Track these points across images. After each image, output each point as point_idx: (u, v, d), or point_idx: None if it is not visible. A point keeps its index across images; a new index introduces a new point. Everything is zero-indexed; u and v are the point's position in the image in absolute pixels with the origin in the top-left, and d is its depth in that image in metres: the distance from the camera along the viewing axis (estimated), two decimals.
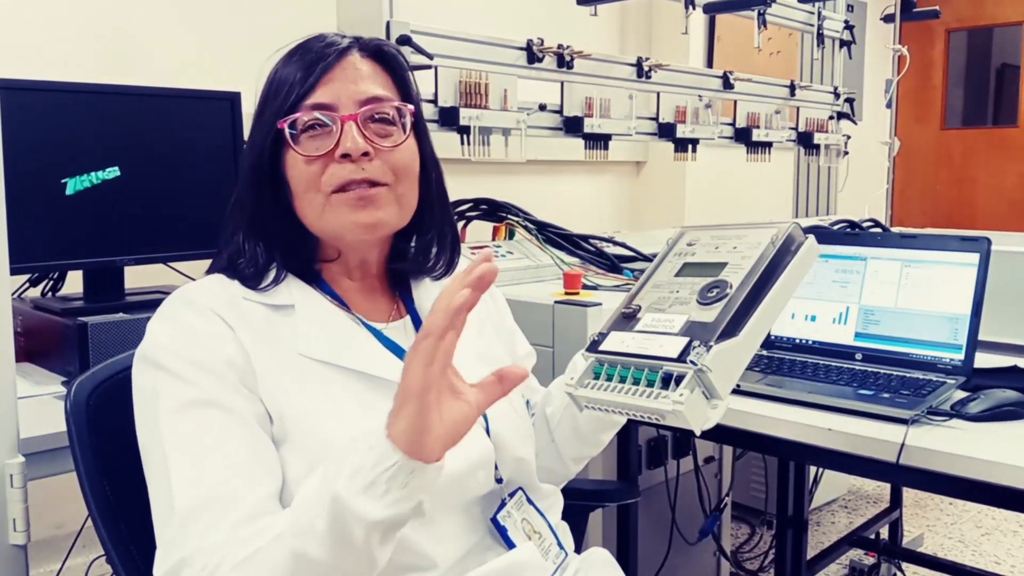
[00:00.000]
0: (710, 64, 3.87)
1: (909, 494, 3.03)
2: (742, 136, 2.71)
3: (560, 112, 2.15)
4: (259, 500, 0.83)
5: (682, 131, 2.44)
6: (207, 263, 1.01)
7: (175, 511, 0.82)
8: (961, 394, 1.21)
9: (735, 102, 2.69)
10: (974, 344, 1.29)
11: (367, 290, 1.03)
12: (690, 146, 2.49)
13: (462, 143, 1.89)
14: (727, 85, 2.61)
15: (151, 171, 1.61)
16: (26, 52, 2.03)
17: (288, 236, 0.97)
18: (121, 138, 1.57)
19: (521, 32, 2.06)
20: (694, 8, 2.49)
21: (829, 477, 2.84)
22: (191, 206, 1.65)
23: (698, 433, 0.89)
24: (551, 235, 1.98)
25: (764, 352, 1.46)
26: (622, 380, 0.93)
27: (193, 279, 1.07)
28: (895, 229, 2.68)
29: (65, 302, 1.57)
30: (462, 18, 2.25)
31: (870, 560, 2.58)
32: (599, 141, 2.20)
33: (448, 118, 1.86)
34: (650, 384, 0.90)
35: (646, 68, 2.33)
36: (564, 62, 2.11)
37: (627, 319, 0.99)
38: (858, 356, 1.39)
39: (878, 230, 2.53)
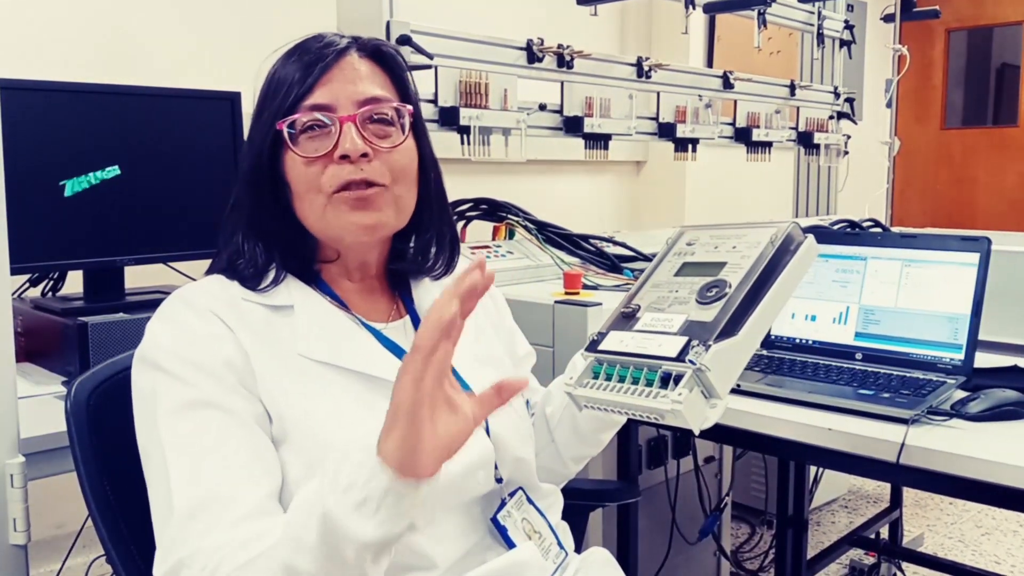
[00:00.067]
0: (710, 64, 3.87)
1: (909, 494, 3.03)
2: (742, 136, 2.71)
3: (560, 112, 2.15)
4: (258, 500, 0.83)
5: (682, 131, 2.44)
6: (207, 263, 1.01)
7: (174, 511, 0.82)
8: (961, 394, 1.21)
9: (735, 102, 2.69)
10: (974, 344, 1.29)
11: (366, 290, 1.03)
12: (690, 146, 2.49)
13: (462, 143, 1.89)
14: (727, 85, 2.61)
15: (151, 171, 1.61)
16: (26, 52, 2.03)
17: (287, 237, 0.97)
18: (121, 138, 1.57)
19: (521, 32, 2.06)
20: (694, 8, 2.49)
21: (829, 477, 2.84)
22: (191, 206, 1.65)
23: (697, 432, 0.89)
24: (551, 235, 1.98)
25: (764, 352, 1.46)
26: (621, 379, 0.93)
27: (193, 279, 1.07)
28: (895, 229, 2.68)
29: (65, 302, 1.57)
30: (462, 18, 2.25)
31: (870, 560, 2.58)
32: (599, 141, 2.20)
33: (448, 118, 1.86)
34: (649, 383, 0.90)
35: (646, 68, 2.33)
36: (564, 62, 2.11)
37: (626, 318, 0.99)
38: (858, 356, 1.39)
39: (878, 230, 2.53)
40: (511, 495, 1.00)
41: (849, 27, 3.15)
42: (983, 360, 1.33)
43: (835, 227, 2.41)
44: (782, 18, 2.86)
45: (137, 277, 1.67)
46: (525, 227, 1.99)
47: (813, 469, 2.48)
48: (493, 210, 2.04)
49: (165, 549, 0.82)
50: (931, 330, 1.33)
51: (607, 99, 2.20)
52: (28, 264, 1.52)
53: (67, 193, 1.50)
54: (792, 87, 2.87)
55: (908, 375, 1.29)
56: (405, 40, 1.76)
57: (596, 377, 0.96)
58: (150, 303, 1.29)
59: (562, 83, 2.14)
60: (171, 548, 0.81)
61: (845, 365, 1.37)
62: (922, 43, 5.18)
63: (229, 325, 0.91)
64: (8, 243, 1.10)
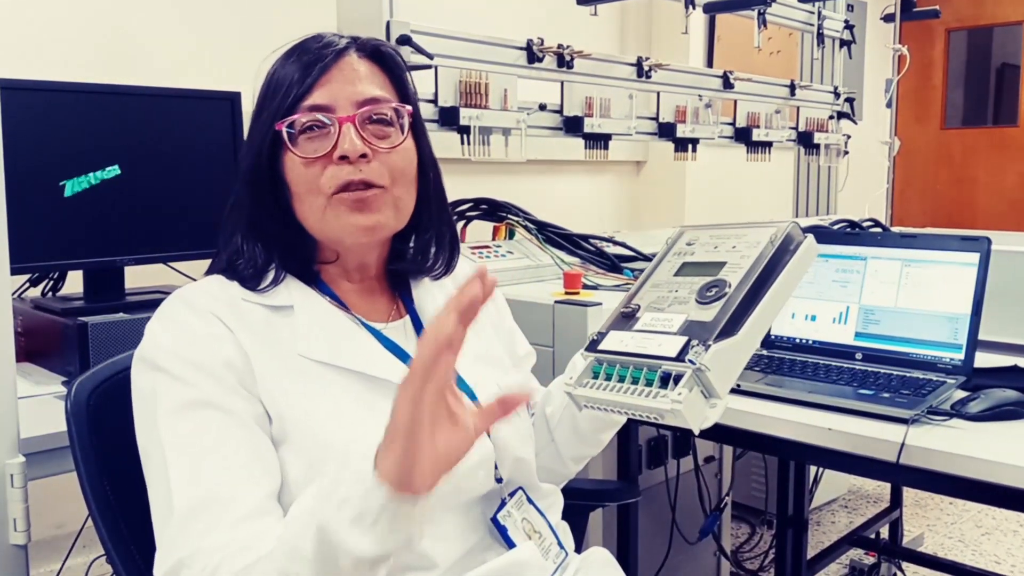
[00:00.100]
0: (710, 64, 3.87)
1: (909, 494, 3.03)
2: (742, 136, 2.71)
3: (560, 112, 2.15)
4: (258, 500, 0.83)
5: (682, 131, 2.44)
6: (207, 263, 1.01)
7: (174, 512, 0.82)
8: (961, 394, 1.21)
9: (735, 102, 2.69)
10: (974, 344, 1.29)
11: (366, 291, 1.03)
12: (690, 146, 2.49)
13: (462, 143, 1.89)
14: (727, 85, 2.61)
15: (151, 171, 1.61)
16: (26, 52, 2.03)
17: (286, 237, 0.97)
18: (121, 138, 1.57)
19: (521, 32, 2.06)
20: (694, 8, 2.49)
21: (829, 477, 2.84)
22: (191, 206, 1.66)
23: (696, 432, 0.89)
24: (551, 235, 1.98)
25: (764, 352, 1.46)
26: (621, 379, 0.93)
27: (193, 279, 1.07)
28: (895, 229, 2.68)
29: (65, 302, 1.57)
30: (462, 18, 2.26)
31: (870, 560, 2.58)
32: (599, 141, 2.20)
33: (448, 118, 1.86)
34: (649, 383, 0.90)
35: (646, 68, 2.33)
36: (564, 62, 2.11)
37: (626, 318, 0.99)
38: (858, 356, 1.39)
39: (878, 230, 2.53)
40: (511, 495, 1.00)
41: (849, 27, 3.15)
42: (983, 360, 1.33)
43: (835, 227, 2.41)
44: (782, 18, 2.86)
45: (137, 277, 1.67)
46: (525, 227, 1.99)
47: (813, 469, 2.48)
48: (493, 210, 2.04)
49: (165, 549, 0.82)
50: (931, 330, 1.33)
51: (607, 99, 2.20)
52: (28, 264, 1.52)
53: (67, 193, 1.50)
54: (792, 87, 2.87)
55: (908, 375, 1.29)
56: (405, 40, 1.76)
57: (596, 377, 0.96)
58: (150, 303, 1.29)
59: (562, 83, 2.14)
60: (171, 548, 0.81)
61: (845, 365, 1.37)
62: (922, 43, 5.17)
63: (229, 325, 0.91)
64: (8, 243, 1.10)
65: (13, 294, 1.20)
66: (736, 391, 1.20)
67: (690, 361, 0.88)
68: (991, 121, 5.38)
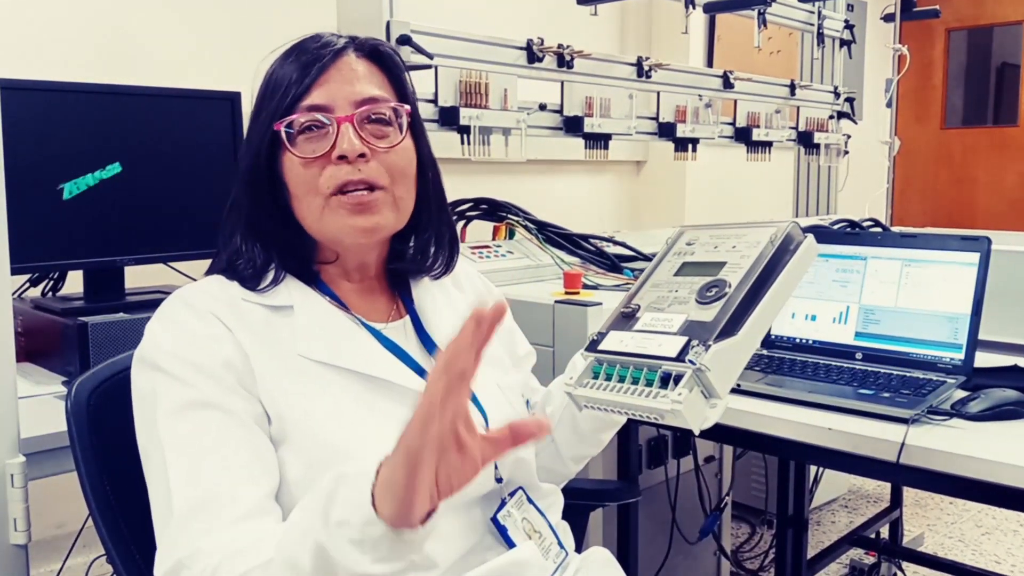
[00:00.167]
0: (710, 64, 3.87)
1: (909, 493, 3.03)
2: (742, 135, 2.71)
3: (560, 112, 2.15)
4: (257, 500, 0.84)
5: (682, 131, 2.44)
6: (207, 263, 1.01)
7: (173, 512, 0.82)
8: (961, 393, 1.21)
9: (735, 101, 2.69)
10: (974, 343, 1.29)
11: (366, 291, 1.03)
12: (690, 145, 2.49)
13: (462, 143, 1.89)
14: (727, 84, 2.61)
15: (151, 171, 1.61)
16: (26, 52, 2.03)
17: (286, 237, 0.97)
18: (121, 138, 1.57)
19: (521, 32, 2.06)
20: (694, 7, 2.49)
21: (829, 476, 2.84)
22: (191, 206, 1.66)
23: (697, 432, 0.89)
24: (551, 235, 1.98)
25: (764, 351, 1.46)
26: (621, 379, 0.93)
27: (193, 279, 1.07)
28: (895, 228, 2.68)
29: (65, 302, 1.57)
30: (462, 18, 2.26)
31: (870, 559, 2.58)
32: (599, 141, 2.20)
33: (448, 118, 1.86)
34: (649, 383, 0.90)
35: (646, 68, 2.33)
36: (564, 62, 2.11)
37: (626, 318, 1.00)
38: (858, 355, 1.39)
39: (878, 229, 2.53)
40: (511, 495, 1.00)
41: (849, 27, 3.15)
42: (983, 360, 1.33)
43: (835, 227, 2.41)
44: (782, 18, 2.86)
45: (137, 277, 1.67)
46: (525, 227, 1.99)
47: (813, 469, 2.48)
48: (493, 210, 2.04)
49: (165, 549, 0.82)
50: (931, 330, 1.33)
51: (607, 99, 2.20)
52: (28, 264, 1.52)
53: (65, 197, 1.50)
54: (792, 87, 2.87)
55: (908, 375, 1.29)
56: (405, 40, 1.76)
57: (596, 377, 0.96)
58: (150, 303, 1.29)
59: (562, 83, 2.14)
60: (171, 548, 0.81)
61: (845, 365, 1.37)
62: (922, 43, 5.17)
63: (228, 325, 0.91)
64: (8, 243, 1.10)
65: (13, 294, 1.20)
66: (736, 391, 1.19)
67: (690, 361, 0.88)
68: (991, 121, 5.38)
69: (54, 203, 1.50)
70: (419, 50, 1.77)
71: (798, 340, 1.47)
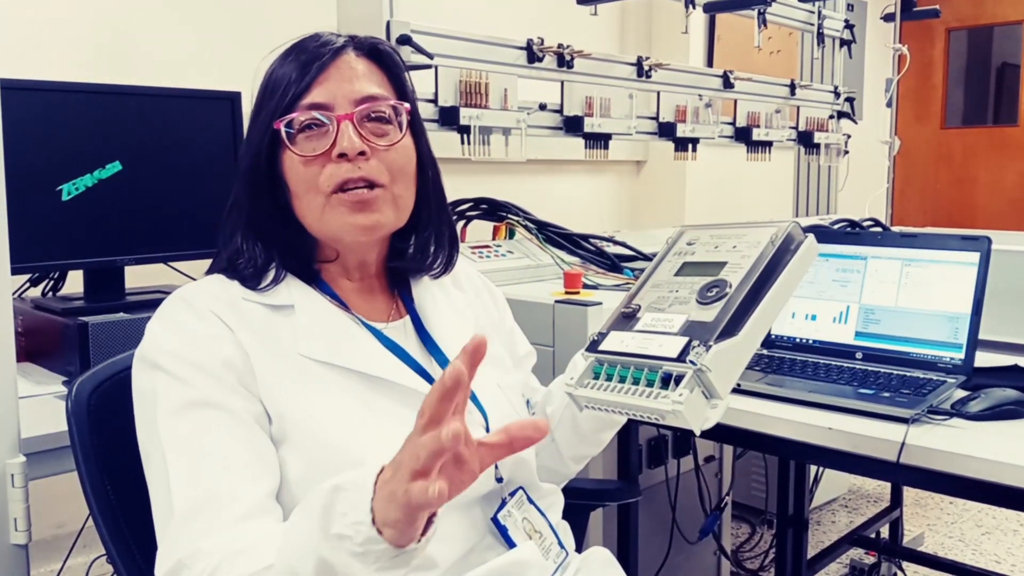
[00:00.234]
0: (710, 63, 3.87)
1: (909, 493, 3.03)
2: (742, 135, 2.71)
3: (560, 111, 2.15)
4: (258, 499, 0.84)
5: (682, 130, 2.44)
6: (207, 263, 1.01)
7: (174, 512, 0.82)
8: (961, 393, 1.21)
9: (735, 101, 2.69)
10: (974, 343, 1.29)
11: (366, 290, 1.03)
12: (690, 145, 2.49)
13: (462, 143, 1.89)
14: (727, 84, 2.61)
15: (151, 171, 1.61)
16: (26, 52, 2.03)
17: (286, 236, 0.97)
18: (121, 138, 1.57)
19: (521, 32, 2.06)
20: (694, 7, 2.49)
21: (829, 476, 2.84)
22: (191, 206, 1.65)
23: (698, 433, 0.89)
24: (551, 234, 1.98)
25: (764, 351, 1.46)
26: (622, 380, 0.93)
27: (193, 279, 1.07)
28: (895, 228, 2.68)
29: (66, 302, 1.57)
30: (462, 18, 2.26)
31: (870, 559, 2.58)
32: (599, 140, 2.20)
33: (448, 118, 1.86)
34: (650, 384, 0.90)
35: (646, 67, 2.33)
36: (564, 62, 2.11)
37: (627, 319, 0.99)
38: (858, 355, 1.39)
39: (878, 229, 2.53)
40: (512, 495, 1.00)
41: (849, 26, 3.15)
42: (983, 359, 1.33)
43: (835, 227, 2.41)
44: (782, 17, 2.86)
45: (137, 277, 1.67)
46: (525, 227, 1.99)
47: (813, 468, 2.48)
48: (493, 210, 2.04)
49: (166, 549, 0.82)
50: (931, 329, 1.33)
51: (607, 99, 2.20)
52: (28, 264, 1.52)
53: (64, 198, 1.50)
54: (792, 87, 2.87)
55: (908, 374, 1.29)
56: (405, 40, 1.76)
57: (597, 377, 0.96)
58: (150, 303, 1.29)
59: (562, 83, 2.14)
60: (171, 548, 0.81)
61: (845, 364, 1.37)
62: (922, 42, 5.17)
63: (229, 325, 0.91)
64: (8, 243, 1.10)
65: (13, 294, 1.20)
66: (736, 390, 1.19)
67: (691, 362, 0.88)
68: (991, 121, 5.37)
69: (54, 203, 1.50)
70: (419, 50, 1.77)
71: (798, 340, 1.47)
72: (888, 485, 2.84)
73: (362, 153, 0.93)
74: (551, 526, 1.03)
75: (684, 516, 2.08)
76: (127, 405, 0.91)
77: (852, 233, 2.13)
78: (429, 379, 0.96)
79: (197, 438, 0.85)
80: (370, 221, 0.94)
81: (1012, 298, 1.50)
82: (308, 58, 0.94)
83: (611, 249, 1.98)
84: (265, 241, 0.97)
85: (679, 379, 0.88)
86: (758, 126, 2.72)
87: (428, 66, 1.81)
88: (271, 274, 0.96)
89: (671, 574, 2.05)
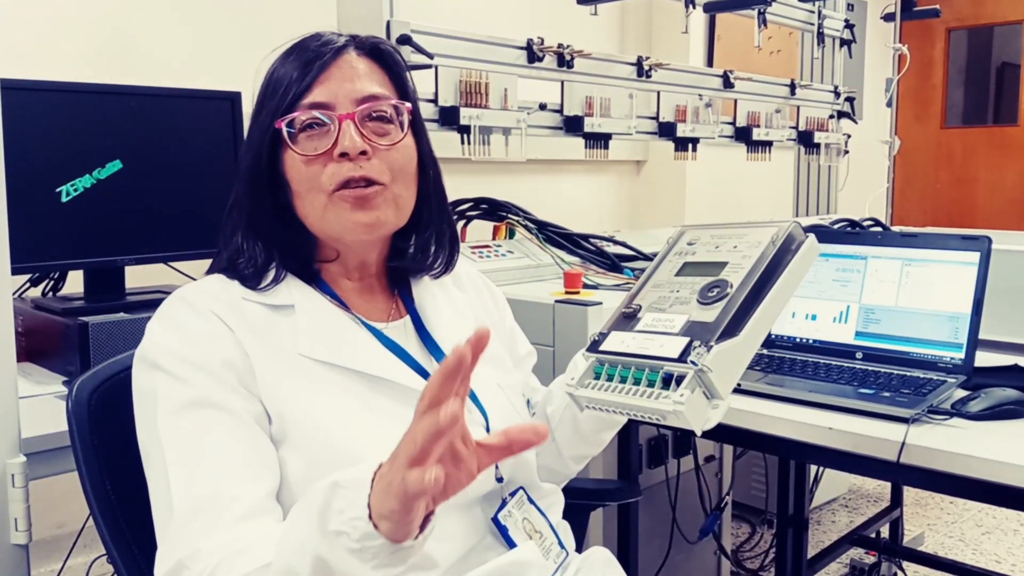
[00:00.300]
0: (710, 63, 3.87)
1: (910, 493, 3.03)
2: (742, 135, 2.71)
3: (560, 111, 2.15)
4: (258, 499, 0.84)
5: (682, 130, 2.44)
6: (207, 263, 1.01)
7: (174, 512, 0.82)
8: (962, 393, 1.21)
9: (735, 101, 2.69)
10: (975, 343, 1.29)
11: (366, 290, 1.03)
12: (690, 145, 2.49)
13: (462, 142, 1.89)
14: (727, 84, 2.61)
15: (151, 171, 1.61)
16: (26, 52, 2.03)
17: (287, 236, 0.97)
18: (121, 138, 1.57)
19: (521, 31, 2.06)
20: (694, 7, 2.49)
21: (829, 476, 2.84)
22: (191, 206, 1.65)
23: (699, 433, 0.89)
24: (551, 234, 1.98)
25: (765, 351, 1.47)
26: (623, 380, 0.93)
27: (193, 279, 1.07)
28: (895, 228, 2.68)
29: (66, 302, 1.57)
30: (462, 18, 2.26)
31: (871, 559, 2.58)
32: (599, 140, 2.20)
33: (448, 117, 1.86)
34: (651, 384, 0.90)
35: (646, 67, 2.33)
36: (564, 61, 2.11)
37: (627, 319, 0.99)
38: (859, 355, 1.39)
39: (878, 229, 2.53)
40: (512, 495, 1.00)
41: (849, 26, 3.15)
42: (983, 359, 1.33)
43: (835, 226, 2.41)
44: (782, 17, 2.86)
45: (137, 277, 1.67)
46: (525, 226, 1.99)
47: (813, 468, 2.48)
48: (493, 209, 2.04)
49: (166, 549, 0.82)
50: (931, 329, 1.33)
51: (607, 98, 2.20)
52: (29, 264, 1.52)
53: (63, 199, 1.50)
54: (792, 86, 2.87)
55: (908, 374, 1.29)
56: (405, 40, 1.76)
57: (598, 378, 0.96)
58: (150, 303, 1.29)
59: (562, 83, 2.14)
60: (172, 548, 0.81)
61: (846, 364, 1.37)
62: (922, 42, 5.17)
63: (229, 325, 0.91)
64: (9, 243, 1.10)
65: (14, 294, 1.20)
66: (737, 390, 1.19)
67: (692, 362, 0.88)
68: (991, 120, 5.37)
69: (54, 203, 1.50)
70: (419, 50, 1.77)
71: (798, 339, 1.47)
72: (888, 485, 2.84)
73: (363, 152, 0.93)
74: (551, 526, 1.03)
75: (684, 516, 2.08)
76: (127, 405, 0.91)
77: (852, 233, 2.13)
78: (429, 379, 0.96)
79: (197, 438, 0.85)
80: (371, 219, 0.94)
81: (1012, 298, 1.50)
82: (310, 57, 0.94)
83: (611, 249, 1.98)
84: (265, 241, 0.97)
85: (680, 379, 0.88)
86: (758, 126, 2.72)
87: (428, 66, 1.81)
88: (271, 274, 0.96)
89: (671, 574, 2.05)
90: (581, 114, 2.14)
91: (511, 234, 2.04)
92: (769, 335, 1.48)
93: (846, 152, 3.14)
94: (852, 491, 3.23)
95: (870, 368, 1.34)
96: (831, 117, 3.07)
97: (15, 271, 1.13)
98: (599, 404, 0.96)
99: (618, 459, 1.65)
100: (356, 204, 0.93)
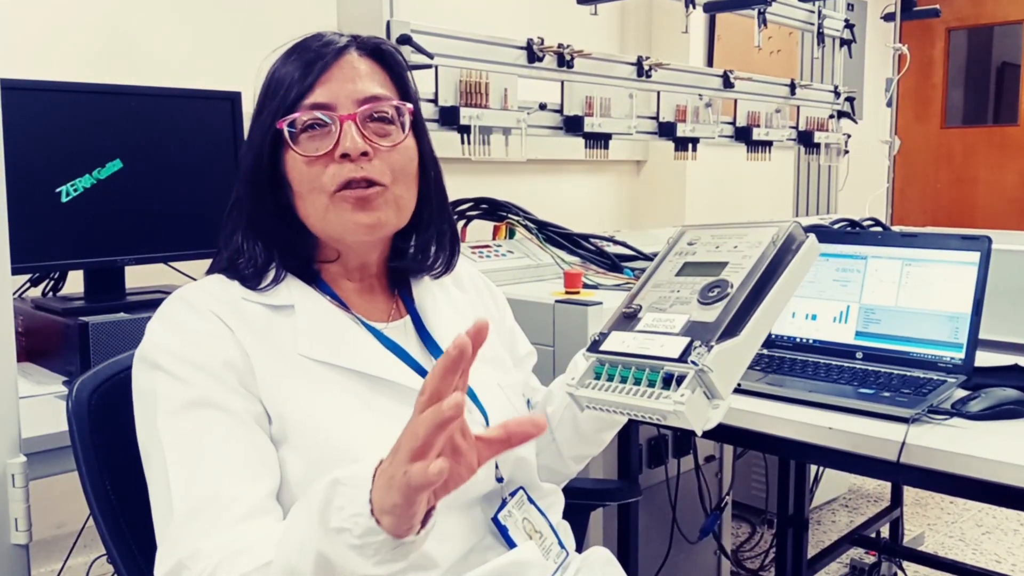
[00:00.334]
0: (710, 63, 3.87)
1: (910, 493, 3.03)
2: (742, 135, 2.71)
3: (560, 111, 2.15)
4: (258, 499, 0.84)
5: (682, 130, 2.44)
6: (207, 263, 1.01)
7: (174, 512, 0.82)
8: (962, 393, 1.21)
9: (735, 101, 2.69)
10: (975, 343, 1.29)
11: (366, 290, 1.03)
12: (690, 145, 2.49)
13: (462, 142, 1.89)
14: (727, 84, 2.61)
15: (151, 171, 1.61)
16: (26, 52, 2.03)
17: (287, 236, 0.97)
18: (121, 138, 1.57)
19: (521, 31, 2.06)
20: (694, 7, 2.49)
21: (830, 476, 2.84)
22: (191, 206, 1.65)
23: (700, 434, 0.89)
24: (551, 234, 1.98)
25: (765, 351, 1.46)
26: (623, 380, 0.93)
27: (193, 279, 1.07)
28: (895, 228, 2.68)
29: (66, 302, 1.57)
30: (462, 17, 2.26)
31: (871, 559, 2.58)
32: (599, 140, 2.20)
33: (448, 117, 1.86)
34: (651, 384, 0.90)
35: (646, 67, 2.33)
36: (564, 61, 2.11)
37: (628, 319, 0.99)
38: (859, 355, 1.39)
39: (878, 229, 2.53)
40: (512, 495, 1.00)
41: (849, 26, 3.15)
42: (983, 359, 1.33)
43: (835, 226, 2.41)
44: (782, 17, 2.86)
45: (137, 277, 1.67)
46: (525, 226, 1.99)
47: (813, 468, 2.48)
48: (493, 209, 2.04)
49: (166, 549, 0.82)
50: (932, 329, 1.33)
51: (607, 98, 2.20)
52: (29, 264, 1.52)
53: (63, 200, 1.50)
54: (792, 86, 2.87)
55: (909, 374, 1.29)
56: (405, 39, 1.76)
57: (598, 378, 0.96)
58: (151, 303, 1.29)
59: (562, 82, 2.14)
60: (172, 548, 0.81)
61: (846, 364, 1.37)
62: (922, 42, 5.17)
63: (229, 325, 0.91)
64: (9, 243, 1.10)
65: (14, 294, 1.20)
66: (737, 390, 1.19)
67: (692, 362, 0.88)
68: (991, 120, 5.38)
69: (55, 203, 1.50)
70: (419, 50, 1.77)
71: (798, 339, 1.47)
72: (888, 485, 2.84)
73: (365, 154, 0.93)
74: (551, 526, 1.03)
75: (684, 516, 2.08)
76: (127, 405, 0.91)
77: (852, 233, 2.13)
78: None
79: (197, 438, 0.85)
80: (372, 220, 0.94)
81: (1012, 298, 1.50)
82: (311, 58, 0.94)
83: (611, 249, 1.99)
84: (266, 241, 0.97)
85: (681, 379, 0.88)
86: (758, 126, 2.72)
87: (428, 66, 1.81)
88: (271, 274, 0.96)
89: (671, 574, 2.05)
90: (581, 114, 2.14)
91: (511, 234, 2.04)
92: (769, 335, 1.48)
93: (846, 152, 3.14)
94: (852, 491, 3.23)
95: (870, 368, 1.34)
96: (831, 117, 3.07)
97: (15, 271, 1.13)
98: (599, 404, 0.96)
99: (618, 459, 1.65)
100: (357, 205, 0.93)
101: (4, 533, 1.09)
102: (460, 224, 2.02)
